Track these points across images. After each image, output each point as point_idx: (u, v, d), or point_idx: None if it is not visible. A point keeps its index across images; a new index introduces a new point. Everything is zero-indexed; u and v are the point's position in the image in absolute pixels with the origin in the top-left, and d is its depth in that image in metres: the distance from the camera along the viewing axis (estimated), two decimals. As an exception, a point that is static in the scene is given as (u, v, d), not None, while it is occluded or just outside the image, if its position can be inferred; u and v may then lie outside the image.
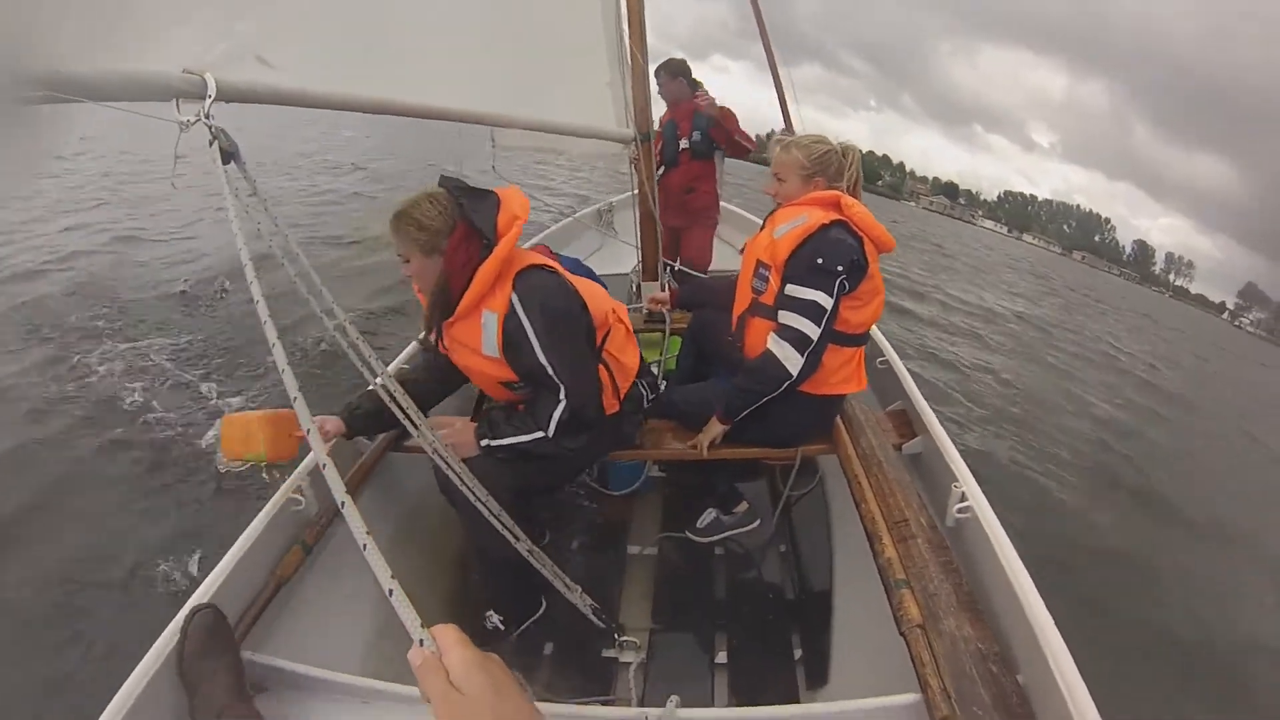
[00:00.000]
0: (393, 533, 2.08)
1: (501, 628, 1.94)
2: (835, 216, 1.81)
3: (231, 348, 4.99)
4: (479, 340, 1.67)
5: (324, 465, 0.75)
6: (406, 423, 1.42)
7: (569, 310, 1.69)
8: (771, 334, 1.84)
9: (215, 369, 4.70)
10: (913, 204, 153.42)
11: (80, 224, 8.35)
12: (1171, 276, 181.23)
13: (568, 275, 1.76)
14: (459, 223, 1.61)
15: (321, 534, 1.76)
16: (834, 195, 1.85)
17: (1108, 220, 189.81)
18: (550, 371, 1.63)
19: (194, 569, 2.78)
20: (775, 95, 4.27)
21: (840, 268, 1.75)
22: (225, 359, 4.84)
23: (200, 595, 1.38)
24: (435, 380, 1.95)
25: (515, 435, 1.70)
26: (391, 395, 1.40)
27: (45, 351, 4.74)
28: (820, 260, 1.75)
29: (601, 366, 1.82)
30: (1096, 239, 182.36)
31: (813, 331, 1.78)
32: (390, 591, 0.61)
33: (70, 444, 3.69)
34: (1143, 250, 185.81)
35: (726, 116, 3.57)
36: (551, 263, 1.76)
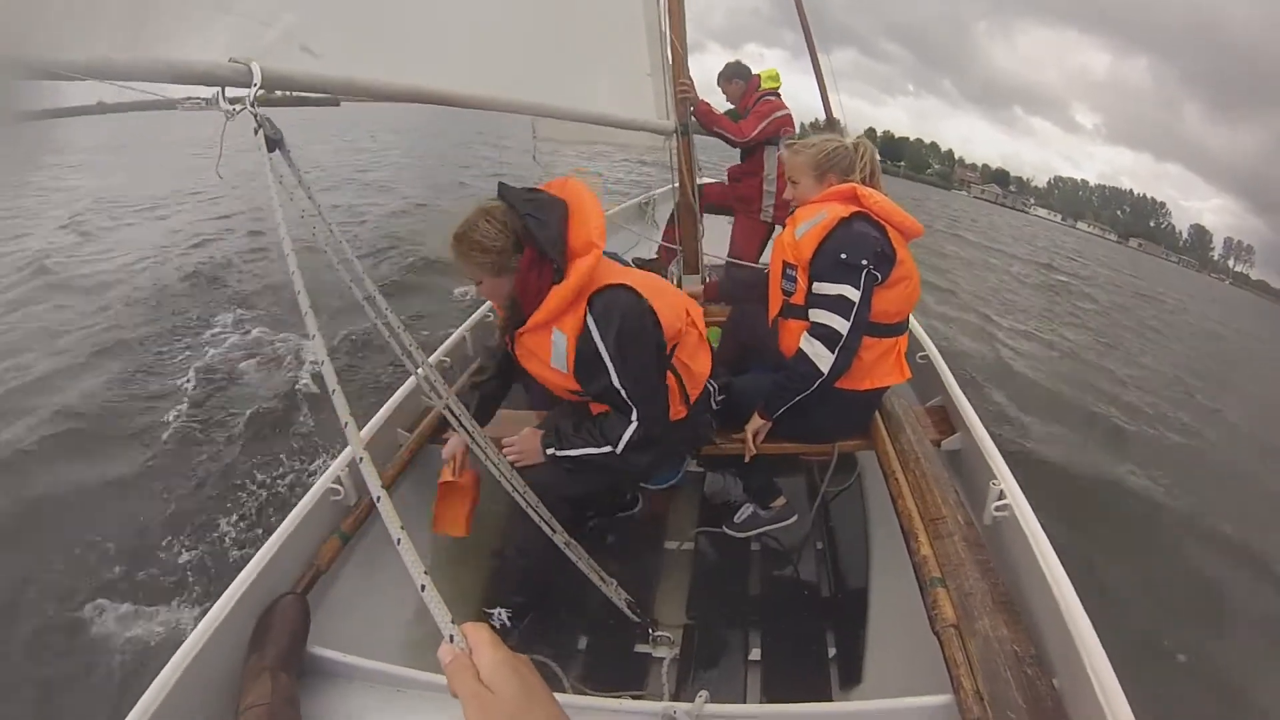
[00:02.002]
0: (428, 525, 2.10)
1: (509, 624, 1.94)
2: (855, 209, 1.80)
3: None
4: (549, 354, 1.64)
5: (360, 459, 0.74)
6: (448, 415, 1.41)
7: (644, 330, 1.62)
8: (804, 333, 1.84)
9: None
10: (964, 193, 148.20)
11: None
12: (1231, 262, 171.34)
13: (642, 285, 1.66)
14: (527, 245, 1.55)
15: (360, 523, 1.78)
16: (850, 188, 1.84)
17: (1162, 204, 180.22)
18: (624, 395, 1.60)
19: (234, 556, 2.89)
20: (815, 83, 4.23)
21: (865, 260, 1.74)
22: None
23: (241, 582, 1.42)
24: (505, 375, 1.94)
25: (583, 447, 1.67)
26: (432, 386, 1.39)
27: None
28: (844, 255, 1.75)
29: (671, 375, 1.77)
30: (1151, 224, 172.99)
31: (842, 326, 1.76)
32: (423, 587, 0.60)
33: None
34: (1200, 235, 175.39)
35: (703, 111, 3.53)
36: (627, 278, 1.65)
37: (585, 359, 1.59)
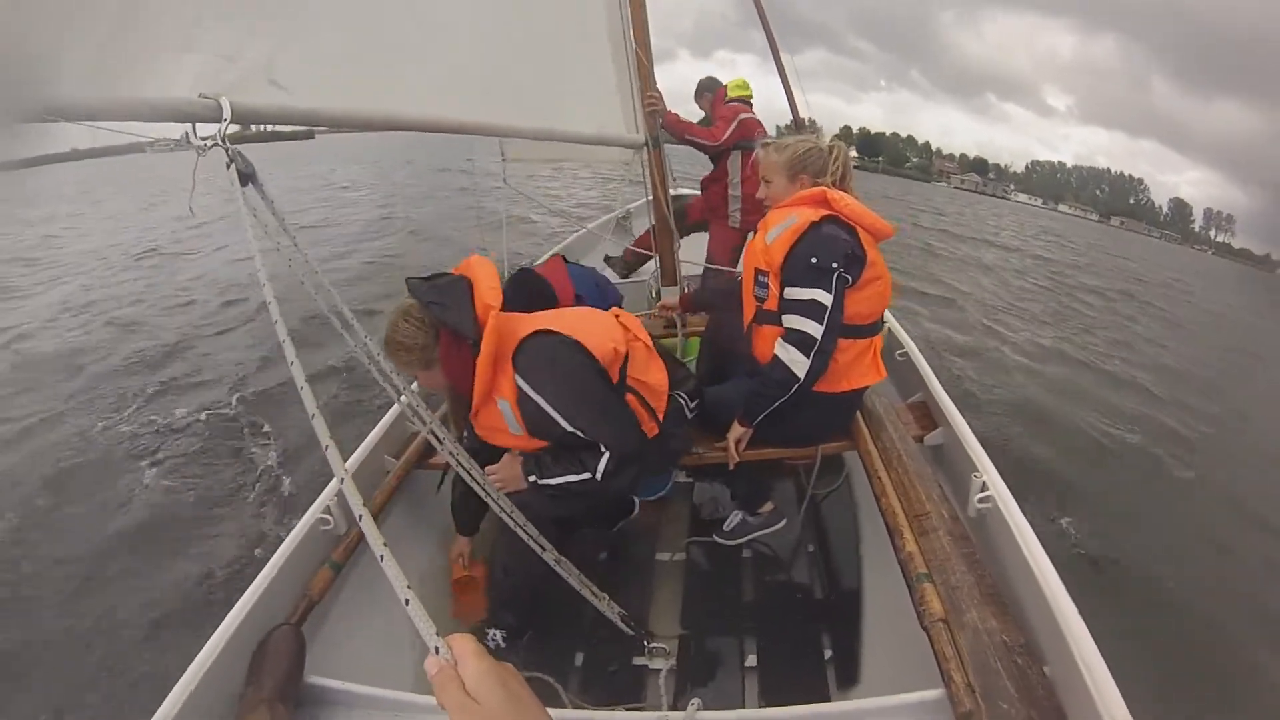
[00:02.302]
0: (419, 547, 2.11)
1: (504, 645, 1.95)
2: (825, 212, 1.82)
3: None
4: (504, 424, 1.66)
5: (342, 481, 0.75)
6: (432, 439, 1.40)
7: (575, 367, 1.63)
8: (779, 339, 1.85)
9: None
10: (944, 184, 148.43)
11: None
12: (1212, 233, 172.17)
13: (559, 323, 1.68)
14: (440, 330, 1.59)
15: (350, 552, 1.78)
16: (820, 192, 1.86)
17: (1140, 181, 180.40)
18: (583, 436, 1.61)
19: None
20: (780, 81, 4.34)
21: (835, 263, 1.75)
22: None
23: (235, 615, 1.42)
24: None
25: (564, 475, 1.66)
26: (416, 413, 1.39)
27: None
28: (815, 259, 1.76)
29: (631, 395, 1.77)
30: (1131, 201, 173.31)
31: (816, 331, 1.77)
32: (406, 601, 0.61)
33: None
34: (1180, 209, 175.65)
35: (671, 122, 3.56)
36: (541, 322, 1.68)
37: (531, 417, 1.61)
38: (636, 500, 2.46)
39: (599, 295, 2.49)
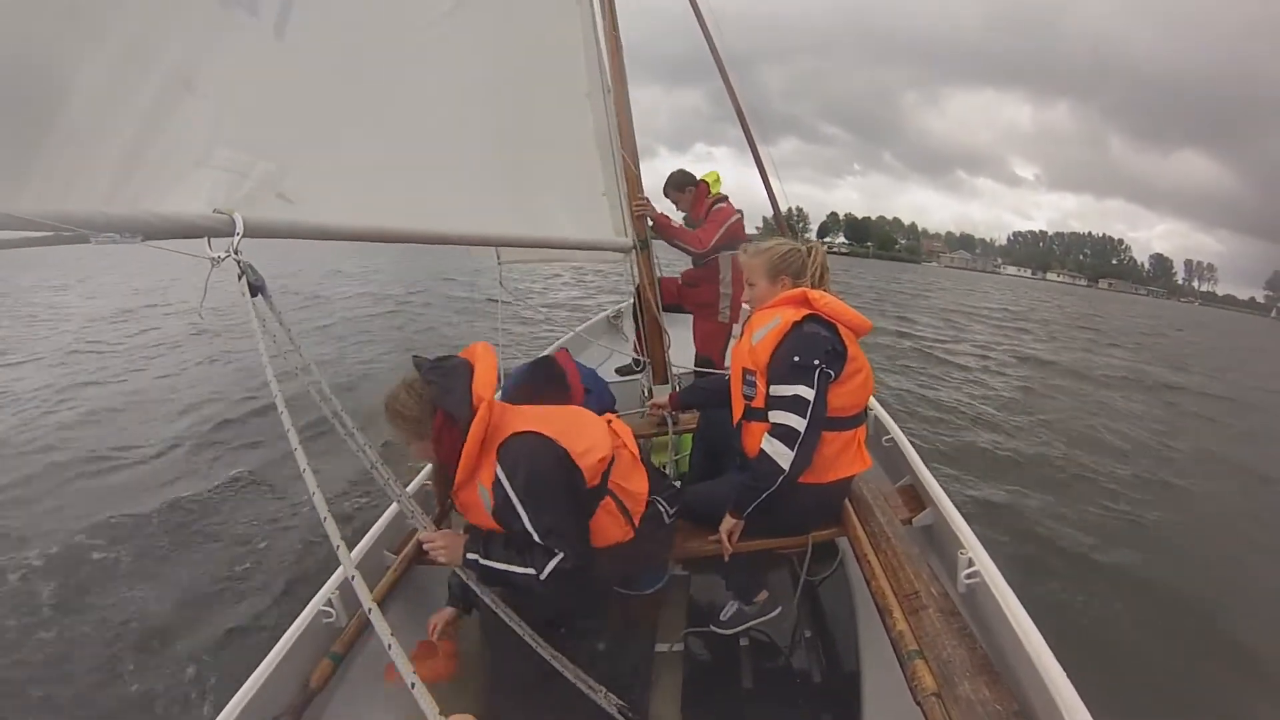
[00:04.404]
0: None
1: None
2: (806, 311, 1.92)
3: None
4: (482, 506, 1.71)
5: (352, 577, 0.78)
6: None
7: (552, 474, 1.68)
8: (765, 434, 1.91)
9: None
10: (934, 264, 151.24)
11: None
12: (1195, 283, 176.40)
13: (553, 427, 1.74)
14: (438, 408, 1.66)
15: (351, 644, 1.80)
16: (801, 293, 1.96)
17: (1120, 241, 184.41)
18: (536, 538, 1.63)
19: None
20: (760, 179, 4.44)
21: (817, 360, 1.84)
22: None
23: (234, 706, 1.44)
24: None
25: (506, 563, 1.66)
26: (414, 513, 1.48)
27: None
28: (797, 358, 1.85)
29: (610, 498, 1.82)
30: (1114, 262, 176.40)
31: (799, 424, 1.83)
32: (412, 684, 0.62)
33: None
34: (1161, 264, 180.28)
35: (661, 225, 3.69)
36: (537, 424, 1.74)
37: (500, 505, 1.66)
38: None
39: (596, 399, 2.64)
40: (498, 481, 1.64)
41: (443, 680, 1.89)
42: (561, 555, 1.62)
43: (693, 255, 4.00)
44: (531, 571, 1.63)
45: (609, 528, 1.81)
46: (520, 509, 1.62)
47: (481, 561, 1.69)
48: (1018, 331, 18.94)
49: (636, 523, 1.87)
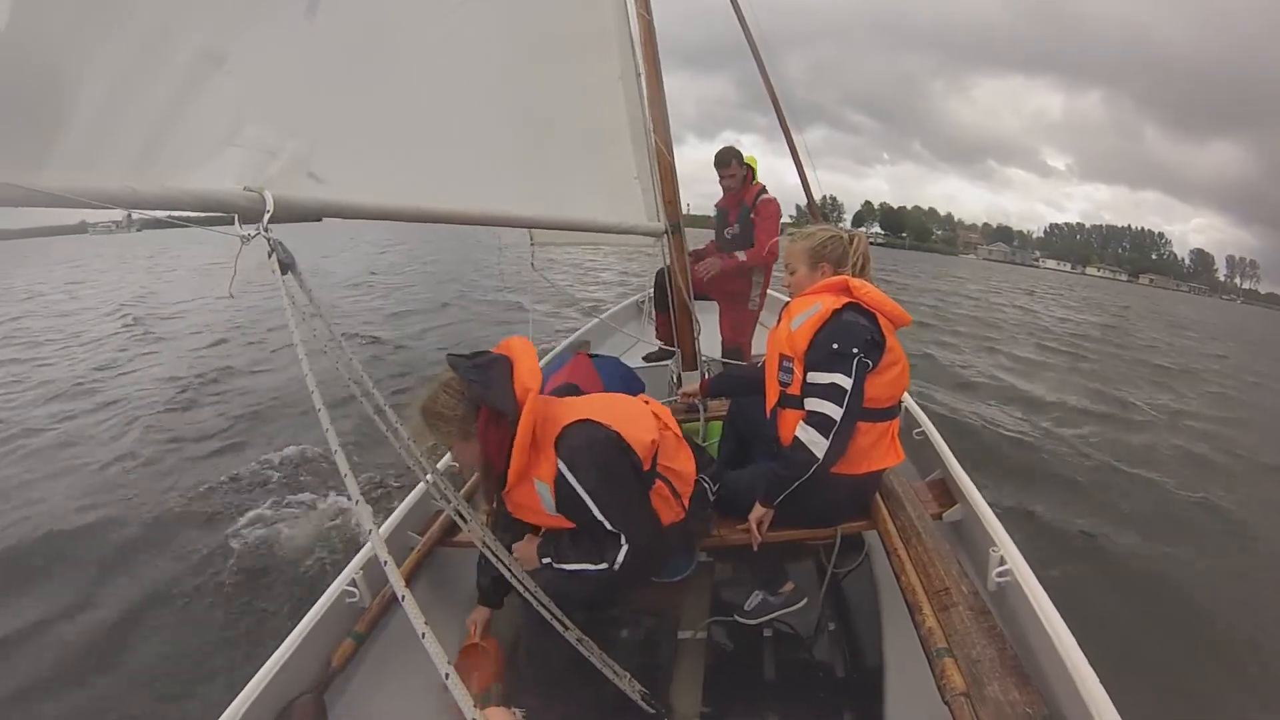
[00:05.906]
0: (442, 624, 2.10)
1: None
2: (846, 300, 1.89)
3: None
4: (539, 504, 1.69)
5: (385, 562, 0.78)
6: (458, 519, 1.46)
7: (614, 461, 1.68)
8: (800, 421, 1.89)
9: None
10: (972, 256, 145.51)
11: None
12: (1238, 280, 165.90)
13: (603, 413, 1.73)
14: (481, 405, 1.62)
15: (374, 624, 1.82)
16: (842, 280, 1.95)
17: (1161, 235, 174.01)
18: (609, 526, 1.64)
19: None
20: (793, 165, 4.43)
21: (855, 349, 1.81)
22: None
23: (258, 683, 1.46)
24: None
25: (579, 563, 1.70)
26: (442, 493, 1.45)
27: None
28: (836, 345, 1.83)
29: (661, 481, 1.82)
30: (1154, 257, 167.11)
31: (835, 413, 1.81)
32: (446, 675, 0.61)
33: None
34: (1202, 259, 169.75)
35: (728, 267, 3.76)
36: (587, 411, 1.73)
37: (566, 500, 1.64)
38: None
39: (624, 388, 2.63)
40: (560, 476, 1.62)
41: (495, 682, 1.92)
42: (626, 547, 1.64)
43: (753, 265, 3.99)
44: (604, 566, 1.66)
45: (662, 511, 1.81)
46: (588, 499, 1.61)
47: (555, 565, 1.71)
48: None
49: (686, 503, 1.87)
